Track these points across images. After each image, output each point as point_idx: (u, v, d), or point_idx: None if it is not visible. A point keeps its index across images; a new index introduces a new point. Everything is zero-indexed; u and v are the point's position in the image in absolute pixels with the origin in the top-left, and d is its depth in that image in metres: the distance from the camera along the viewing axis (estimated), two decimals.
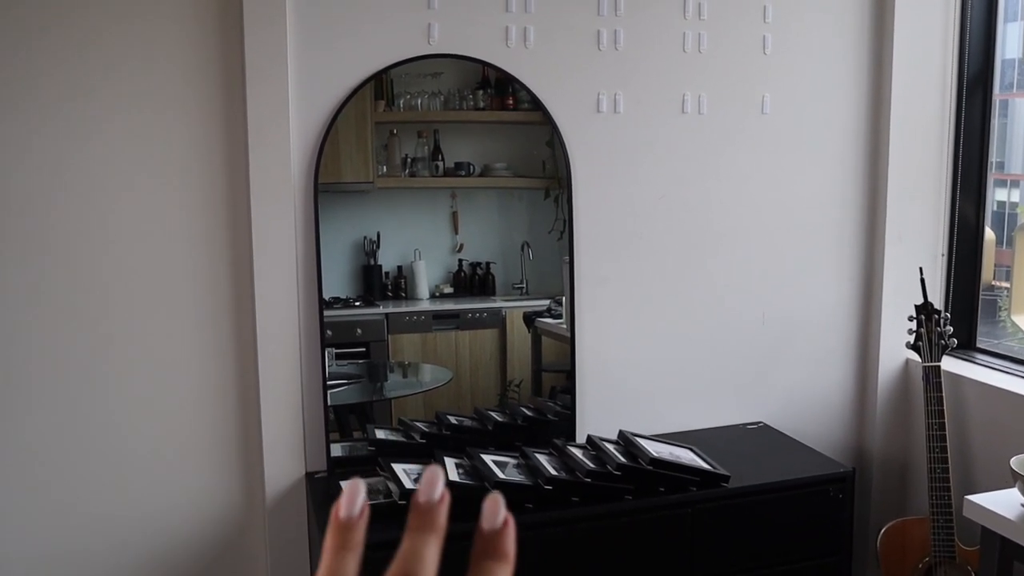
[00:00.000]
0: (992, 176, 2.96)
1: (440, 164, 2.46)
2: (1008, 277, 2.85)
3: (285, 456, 2.31)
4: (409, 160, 2.45)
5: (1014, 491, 1.90)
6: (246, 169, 2.22)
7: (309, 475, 2.34)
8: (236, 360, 2.30)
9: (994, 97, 2.78)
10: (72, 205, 2.14)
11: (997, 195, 3.38)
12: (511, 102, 2.47)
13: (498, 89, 2.45)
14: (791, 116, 2.67)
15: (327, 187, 2.32)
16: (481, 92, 2.45)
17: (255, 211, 2.22)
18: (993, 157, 2.92)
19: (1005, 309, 2.91)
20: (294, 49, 2.22)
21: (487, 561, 0.44)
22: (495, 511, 0.45)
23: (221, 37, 2.19)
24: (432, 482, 0.45)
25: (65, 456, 2.21)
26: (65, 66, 2.09)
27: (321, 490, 2.25)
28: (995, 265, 2.91)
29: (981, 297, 2.84)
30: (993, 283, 2.93)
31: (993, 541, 1.88)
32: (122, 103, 2.14)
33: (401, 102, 2.40)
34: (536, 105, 2.44)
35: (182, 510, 2.31)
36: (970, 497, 1.93)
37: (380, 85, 2.35)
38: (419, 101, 2.42)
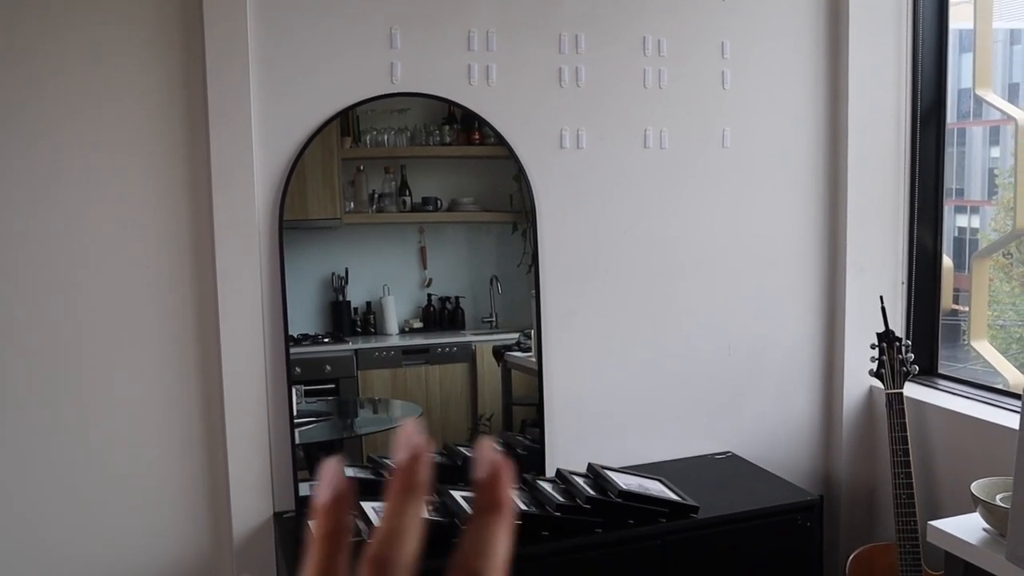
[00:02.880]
0: (952, 203, 3.03)
1: (407, 199, 2.48)
2: (968, 301, 2.90)
3: (253, 496, 2.29)
4: (376, 196, 2.46)
5: (975, 516, 1.92)
6: (210, 208, 2.22)
7: (277, 515, 2.32)
8: (202, 399, 2.29)
9: (947, 126, 2.85)
10: (36, 248, 2.12)
11: (957, 221, 3.45)
12: (477, 137, 2.49)
13: (464, 124, 2.48)
14: (751, 149, 2.72)
15: (294, 224, 2.32)
16: (447, 127, 2.47)
17: (219, 249, 2.22)
18: (952, 184, 2.99)
19: (967, 333, 2.96)
20: (257, 88, 2.23)
21: (482, 515, 0.41)
22: (485, 458, 0.41)
23: (183, 77, 2.20)
24: (406, 441, 0.40)
25: (30, 497, 2.17)
26: (27, 108, 2.08)
27: (290, 530, 2.22)
28: (954, 290, 2.97)
29: (942, 323, 2.89)
30: (954, 307, 2.98)
31: (957, 566, 1.90)
32: (84, 145, 2.13)
33: (367, 138, 2.42)
34: (501, 140, 2.47)
35: (149, 550, 2.28)
36: (933, 523, 1.95)
37: (346, 122, 2.37)
38: (385, 137, 2.43)
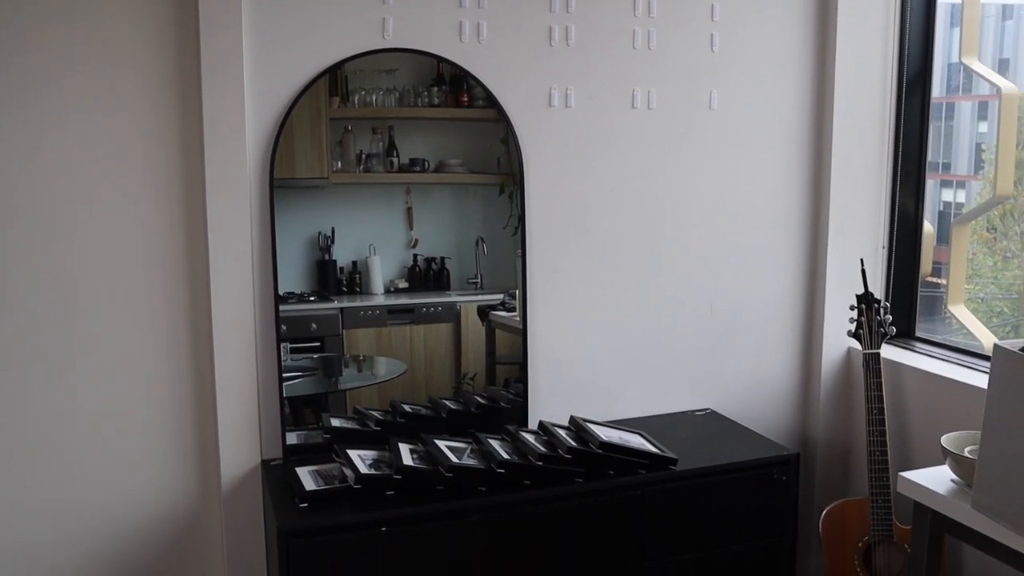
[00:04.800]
0: (938, 177, 3.06)
1: (395, 160, 2.49)
2: (945, 274, 2.95)
3: (241, 444, 2.33)
4: (364, 156, 2.48)
5: (944, 468, 1.98)
6: (202, 164, 2.23)
7: (265, 462, 2.36)
8: (192, 352, 2.32)
9: (936, 100, 2.89)
10: (27, 200, 2.14)
11: (943, 195, 3.48)
12: (466, 99, 2.51)
13: (453, 86, 2.49)
14: (738, 112, 2.75)
15: (282, 182, 2.34)
16: (436, 89, 2.48)
17: (210, 205, 2.24)
18: (939, 158, 3.02)
19: (945, 298, 3.00)
20: (249, 43, 2.24)
21: None
22: None
23: (177, 33, 2.20)
24: None
25: (20, 444, 2.20)
26: (19, 65, 2.09)
27: (277, 477, 2.27)
28: (935, 262, 3.01)
29: (921, 294, 2.94)
30: (933, 279, 3.02)
31: (925, 515, 1.96)
32: (76, 101, 2.14)
33: (356, 98, 2.43)
34: (490, 100, 2.49)
35: (138, 497, 2.32)
36: (903, 474, 2.00)
37: (334, 81, 2.38)
38: (374, 97, 2.45)
